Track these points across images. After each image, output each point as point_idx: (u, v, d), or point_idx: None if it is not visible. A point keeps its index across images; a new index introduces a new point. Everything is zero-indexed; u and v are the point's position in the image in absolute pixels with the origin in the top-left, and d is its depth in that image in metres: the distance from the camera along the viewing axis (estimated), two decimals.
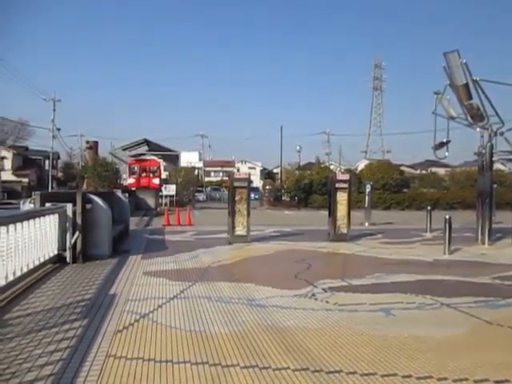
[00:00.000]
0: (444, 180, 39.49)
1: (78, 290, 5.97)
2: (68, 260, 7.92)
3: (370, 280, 7.02)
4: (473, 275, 7.47)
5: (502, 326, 4.75)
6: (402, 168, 40.81)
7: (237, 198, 11.32)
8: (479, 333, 4.55)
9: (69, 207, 7.99)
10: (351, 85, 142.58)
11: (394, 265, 8.48)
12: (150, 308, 5.24)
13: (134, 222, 16.96)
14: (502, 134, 11.93)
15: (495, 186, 14.88)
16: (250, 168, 71.17)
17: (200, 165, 70.71)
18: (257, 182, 65.58)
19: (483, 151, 12.13)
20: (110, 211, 9.02)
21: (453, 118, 12.40)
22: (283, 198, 35.91)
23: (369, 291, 6.22)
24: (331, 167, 43.37)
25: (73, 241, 7.96)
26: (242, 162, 79.16)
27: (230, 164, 74.31)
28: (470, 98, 11.58)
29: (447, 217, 10.07)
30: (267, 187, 39.47)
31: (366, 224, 17.81)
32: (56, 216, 7.80)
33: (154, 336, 4.32)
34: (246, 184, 11.42)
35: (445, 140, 12.63)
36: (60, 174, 60.42)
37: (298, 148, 39.57)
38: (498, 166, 28.22)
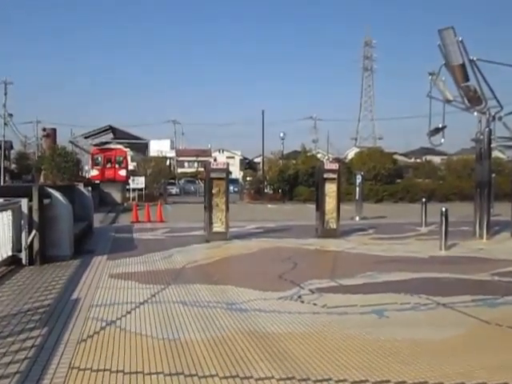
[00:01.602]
0: (440, 169, 40.24)
1: (36, 295, 5.88)
2: (24, 262, 7.78)
3: (361, 279, 7.11)
4: (471, 272, 7.65)
5: (501, 326, 4.89)
6: (395, 156, 41.40)
7: (214, 191, 11.29)
8: (477, 334, 4.68)
9: (24, 203, 7.83)
10: (340, 65, 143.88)
11: (387, 262, 8.60)
12: (118, 314, 5.19)
13: (98, 219, 16.76)
14: (500, 118, 12.18)
15: (493, 175, 15.20)
16: (228, 157, 70.96)
17: (172, 154, 70.16)
18: (236, 172, 65.50)
19: (481, 137, 12.37)
20: (70, 207, 8.88)
21: (449, 102, 12.58)
22: (266, 190, 36.02)
23: (360, 291, 6.30)
24: (318, 156, 43.73)
25: (29, 240, 7.82)
26: (219, 150, 78.93)
27: (206, 153, 73.96)
28: (467, 79, 11.77)
29: (443, 209, 10.26)
30: (248, 179, 39.56)
31: (357, 218, 18.03)
32: (9, 213, 7.64)
33: (122, 345, 4.29)
34: (224, 175, 11.39)
35: (440, 125, 12.82)
36: (13, 166, 59.09)
37: (281, 135, 39.67)
38: (496, 153, 28.89)
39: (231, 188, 31.41)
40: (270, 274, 7.53)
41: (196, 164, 74.18)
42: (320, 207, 12.25)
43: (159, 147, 58.48)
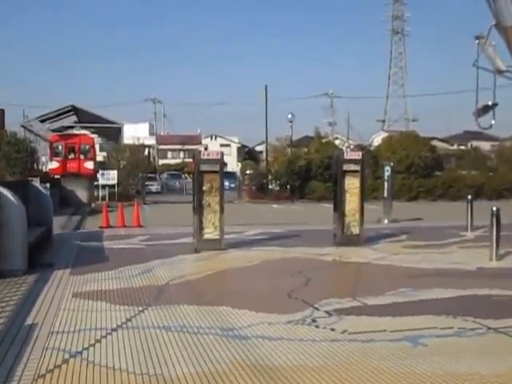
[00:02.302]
0: (490, 158, 40.24)
1: None
2: None
3: (391, 298, 7.10)
4: None
5: None
6: (434, 143, 41.42)
7: (205, 188, 11.29)
8: None
9: None
10: (362, 27, 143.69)
11: (424, 276, 8.60)
12: (84, 343, 5.19)
13: (58, 224, 16.75)
14: None
15: None
16: (223, 145, 71.09)
17: (152, 141, 70.21)
18: (233, 164, 65.64)
19: None
20: (23, 208, 8.88)
21: (501, 73, 12.50)
22: (270, 186, 36.07)
23: (390, 313, 6.29)
24: (336, 143, 43.74)
25: None
26: (211, 137, 79.05)
27: (195, 140, 74.05)
28: None
29: (494, 209, 10.23)
30: (248, 172, 39.62)
31: (386, 221, 18.04)
32: None
33: (89, 382, 4.29)
34: (217, 168, 11.39)
35: (490, 103, 12.74)
36: None
37: (289, 116, 39.51)
38: None
39: (227, 184, 31.57)
40: (277, 291, 7.53)
41: (182, 154, 74.24)
42: (339, 207, 12.24)
43: (136, 133, 58.51)
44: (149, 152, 65.09)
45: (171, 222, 17.89)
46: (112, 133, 41.15)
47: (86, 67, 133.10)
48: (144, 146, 44.66)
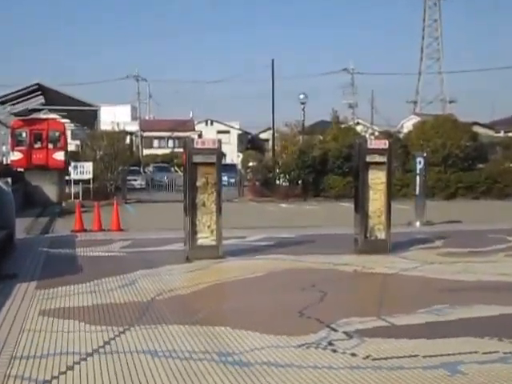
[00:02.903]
0: None
1: None
2: None
3: (424, 317, 7.10)
4: None
5: None
6: (475, 129, 41.24)
7: (199, 184, 11.30)
8: None
9: None
10: None
11: (464, 291, 8.59)
12: (54, 371, 5.20)
13: (23, 226, 16.78)
14: None
15: None
16: (220, 132, 71.18)
17: (135, 127, 70.37)
18: (233, 155, 65.63)
19: None
20: None
21: None
22: (278, 181, 36.04)
23: (422, 335, 6.29)
24: (358, 129, 43.69)
25: None
26: (206, 121, 79.08)
27: (187, 126, 74.14)
28: None
29: None
30: (251, 164, 39.62)
31: (417, 223, 18.00)
32: None
33: None
34: (213, 159, 11.40)
35: None
36: None
37: (301, 97, 39.49)
38: None
39: (225, 179, 31.38)
40: (286, 308, 7.53)
41: (171, 142, 74.26)
42: (361, 207, 12.23)
43: (115, 117, 58.47)
44: (131, 140, 65.23)
45: (158, 224, 17.88)
46: (86, 117, 41.21)
47: (55, 38, 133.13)
48: (125, 133, 44.77)
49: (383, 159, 12.33)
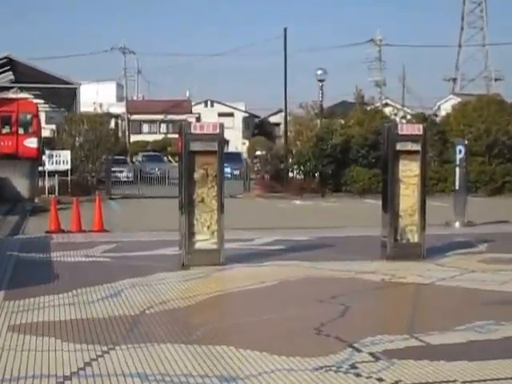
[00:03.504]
0: None
1: None
2: None
3: (464, 335, 7.08)
4: None
5: None
6: None
7: (197, 177, 11.29)
8: None
9: None
10: None
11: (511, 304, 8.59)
12: None
13: None
14: None
15: None
16: (222, 115, 71.15)
17: (121, 109, 70.37)
18: (237, 142, 65.70)
19: None
20: None
21: None
22: (291, 174, 35.96)
23: (462, 357, 6.27)
24: (386, 111, 43.53)
25: None
26: (205, 102, 79.11)
27: (183, 107, 74.13)
28: None
29: None
30: (258, 153, 39.55)
31: (457, 224, 17.96)
32: None
33: None
34: (214, 147, 11.39)
35: None
36: None
37: (318, 73, 39.35)
38: None
39: (228, 170, 31.35)
40: (300, 325, 7.52)
41: (164, 127, 74.35)
42: (390, 205, 12.20)
43: (98, 97, 58.71)
44: (116, 124, 65.22)
45: (148, 224, 17.90)
46: (64, 97, 41.30)
47: (27, 5, 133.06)
48: (110, 116, 44.83)
49: (417, 147, 12.30)
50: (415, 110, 52.08)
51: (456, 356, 6.31)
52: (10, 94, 40.10)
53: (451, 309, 8.59)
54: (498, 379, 5.65)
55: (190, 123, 11.96)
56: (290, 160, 35.92)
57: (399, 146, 12.20)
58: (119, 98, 78.01)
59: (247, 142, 61.66)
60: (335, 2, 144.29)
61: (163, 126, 74.47)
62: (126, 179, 41.05)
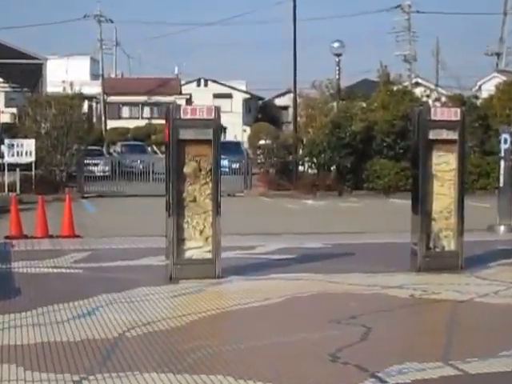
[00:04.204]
0: None
1: None
2: None
3: (508, 362, 7.08)
4: None
5: None
6: None
7: (188, 171, 11.32)
8: None
9: None
10: None
11: None
12: None
13: None
14: None
15: None
16: (219, 96, 71.23)
17: (96, 89, 70.29)
18: (237, 128, 65.61)
19: None
20: None
21: None
22: (301, 167, 35.91)
23: None
24: (417, 92, 43.44)
25: None
26: (198, 81, 79.13)
27: (171, 87, 74.16)
28: None
29: None
30: (262, 142, 39.47)
31: (501, 229, 17.92)
32: None
33: None
34: (209, 135, 11.43)
35: None
36: None
37: (335, 46, 39.35)
38: None
39: (226, 163, 31.16)
40: (313, 350, 7.54)
41: (147, 111, 74.32)
42: (421, 205, 12.20)
43: (68, 75, 58.60)
44: (90, 108, 65.22)
45: (129, 229, 17.88)
46: (27, 74, 41.33)
47: None
48: (82, 98, 44.63)
49: (453, 136, 12.31)
50: (451, 91, 52.15)
51: None
52: None
53: (494, 330, 8.59)
54: None
55: (179, 106, 11.97)
56: (301, 151, 35.89)
57: (432, 135, 12.21)
58: (94, 76, 77.87)
59: (248, 129, 61.62)
60: None
61: (146, 109, 74.45)
62: (101, 174, 40.98)
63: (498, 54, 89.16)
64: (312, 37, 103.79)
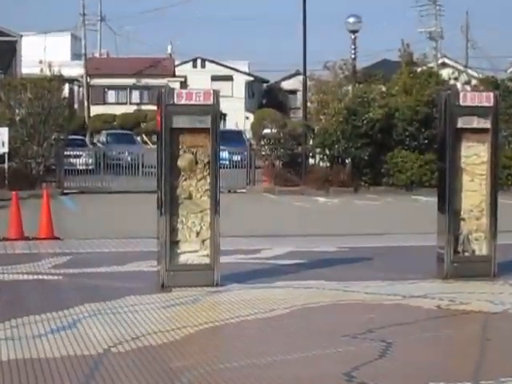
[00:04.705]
0: None
1: None
2: None
3: None
4: None
5: None
6: None
7: (182, 163, 11.34)
8: None
9: None
10: None
11: None
12: None
13: None
14: None
15: None
16: (218, 79, 71.36)
17: (78, 71, 70.35)
18: (239, 116, 65.67)
19: None
20: None
21: None
22: (312, 160, 35.89)
23: None
24: (443, 74, 43.41)
25: None
26: (194, 61, 79.19)
27: (163, 68, 74.36)
28: None
29: None
30: (266, 131, 39.43)
31: None
32: None
33: None
34: (207, 123, 11.45)
35: None
36: None
37: (350, 21, 39.34)
38: None
39: (226, 155, 31.19)
40: (325, 368, 7.55)
41: (136, 95, 74.40)
42: (449, 203, 12.20)
43: (45, 54, 58.68)
44: (72, 92, 65.29)
45: (115, 230, 17.91)
46: (0, 54, 41.39)
47: None
48: (63, 80, 44.66)
49: (485, 124, 12.29)
50: (483, 73, 52.10)
51: None
52: None
53: None
54: None
55: (172, 90, 11.98)
56: (311, 141, 35.87)
57: (461, 123, 12.20)
58: (75, 56, 78.08)
59: (252, 116, 61.52)
60: None
61: (135, 93, 74.62)
62: (84, 167, 40.98)
63: None
64: (325, 13, 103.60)
